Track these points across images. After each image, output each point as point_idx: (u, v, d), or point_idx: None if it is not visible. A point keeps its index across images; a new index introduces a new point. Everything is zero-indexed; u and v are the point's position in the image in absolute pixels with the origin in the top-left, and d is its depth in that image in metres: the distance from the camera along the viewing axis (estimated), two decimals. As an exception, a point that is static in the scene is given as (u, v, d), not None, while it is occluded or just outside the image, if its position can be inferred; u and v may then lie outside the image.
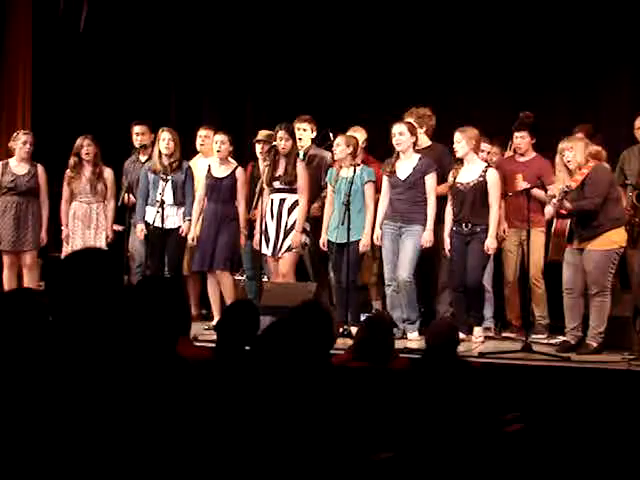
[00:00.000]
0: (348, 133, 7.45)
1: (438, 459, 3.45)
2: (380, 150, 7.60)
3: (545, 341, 6.84)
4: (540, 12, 8.58)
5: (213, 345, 4.47)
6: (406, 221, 6.98)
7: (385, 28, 9.11)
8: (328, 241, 7.25)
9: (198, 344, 5.59)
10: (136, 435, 2.40)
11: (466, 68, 8.85)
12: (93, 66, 9.57)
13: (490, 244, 6.74)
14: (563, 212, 6.33)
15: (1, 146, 9.29)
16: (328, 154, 7.68)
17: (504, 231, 7.14)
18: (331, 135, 7.92)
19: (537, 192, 6.81)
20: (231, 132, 7.64)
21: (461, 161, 6.88)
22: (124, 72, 9.62)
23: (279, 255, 7.26)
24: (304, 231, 7.30)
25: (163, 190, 7.36)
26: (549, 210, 6.54)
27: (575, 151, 6.30)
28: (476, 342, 6.70)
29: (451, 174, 6.93)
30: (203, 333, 6.77)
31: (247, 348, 3.90)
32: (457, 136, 6.84)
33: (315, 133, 7.73)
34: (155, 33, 9.65)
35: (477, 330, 6.82)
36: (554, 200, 6.25)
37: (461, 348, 5.67)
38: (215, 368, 3.58)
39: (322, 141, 7.85)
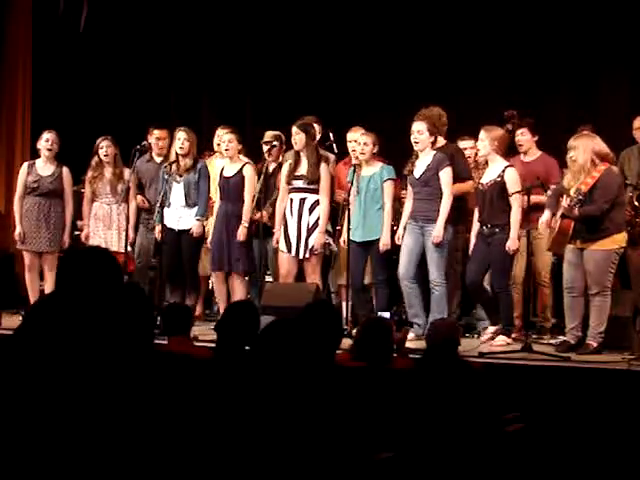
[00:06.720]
0: (349, 134, 7.43)
1: (438, 459, 3.45)
2: (382, 150, 7.57)
3: (545, 341, 6.83)
4: (540, 12, 8.59)
5: (213, 345, 4.48)
6: (426, 220, 6.86)
7: (384, 27, 9.13)
8: (350, 240, 7.09)
9: (198, 344, 5.60)
10: (135, 435, 2.41)
11: (466, 68, 8.86)
12: (93, 66, 9.57)
13: (511, 245, 6.56)
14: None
15: (0, 146, 9.30)
16: (332, 155, 7.67)
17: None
18: (331, 135, 7.91)
19: (535, 197, 6.65)
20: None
21: (486, 162, 6.80)
22: (124, 72, 9.63)
23: (304, 257, 7.16)
24: (326, 231, 7.23)
25: (165, 190, 7.32)
26: (546, 217, 6.33)
27: (578, 151, 6.17)
28: (495, 344, 6.52)
29: (477, 175, 6.86)
30: (205, 333, 6.76)
31: (247, 348, 3.90)
32: (481, 134, 6.74)
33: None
34: (155, 33, 9.67)
35: (501, 338, 6.59)
36: (564, 204, 6.17)
37: (462, 348, 5.66)
38: (215, 368, 3.59)
39: (322, 141, 7.83)
